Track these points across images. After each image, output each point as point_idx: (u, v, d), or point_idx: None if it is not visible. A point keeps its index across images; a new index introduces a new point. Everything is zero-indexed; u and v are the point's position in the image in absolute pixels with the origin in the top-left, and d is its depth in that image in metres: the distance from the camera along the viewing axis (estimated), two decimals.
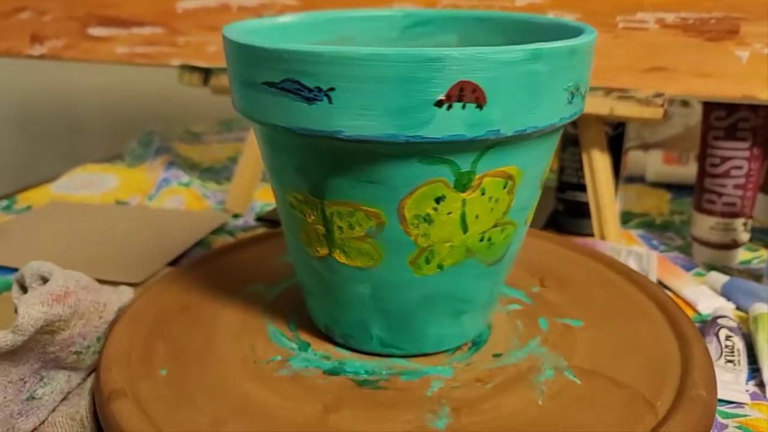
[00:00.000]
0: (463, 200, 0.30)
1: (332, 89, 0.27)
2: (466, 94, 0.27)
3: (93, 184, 0.71)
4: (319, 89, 0.28)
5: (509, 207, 0.32)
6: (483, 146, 0.29)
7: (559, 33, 0.35)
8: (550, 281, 0.44)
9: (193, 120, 0.97)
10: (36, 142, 1.27)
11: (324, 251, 0.33)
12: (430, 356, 0.36)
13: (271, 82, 0.29)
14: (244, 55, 0.30)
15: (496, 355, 0.36)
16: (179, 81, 0.63)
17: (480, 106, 0.27)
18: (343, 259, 0.33)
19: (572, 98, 0.31)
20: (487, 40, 0.40)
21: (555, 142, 0.33)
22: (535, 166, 0.32)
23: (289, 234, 0.36)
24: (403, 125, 0.27)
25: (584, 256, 0.47)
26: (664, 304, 0.40)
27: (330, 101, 0.28)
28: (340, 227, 0.32)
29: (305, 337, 0.38)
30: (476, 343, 0.37)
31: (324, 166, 0.30)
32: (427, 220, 0.31)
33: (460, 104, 0.27)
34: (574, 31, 0.34)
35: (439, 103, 0.27)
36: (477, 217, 0.31)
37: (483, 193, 0.31)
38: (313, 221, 0.32)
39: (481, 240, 0.32)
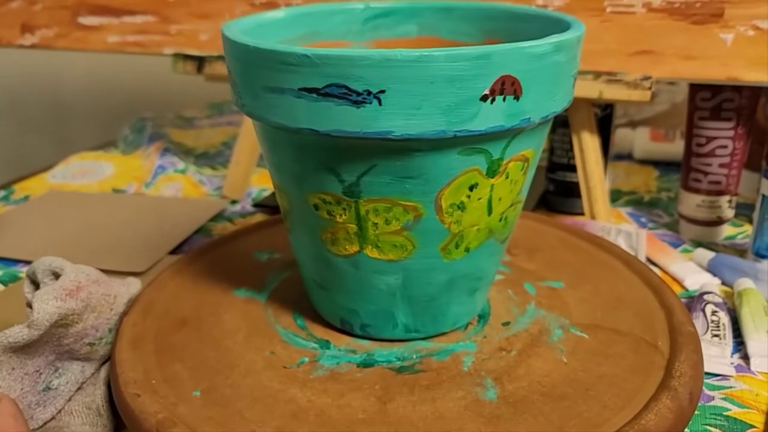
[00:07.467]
0: (492, 185, 0.32)
1: (382, 92, 0.28)
2: (506, 87, 0.29)
3: (89, 172, 0.72)
4: (369, 92, 0.28)
5: (522, 186, 0.34)
6: (513, 134, 0.31)
7: (530, 19, 0.37)
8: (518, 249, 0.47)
9: (182, 104, 0.97)
10: (26, 131, 1.27)
11: (354, 248, 0.34)
12: (447, 334, 0.38)
13: (312, 87, 0.29)
14: (274, 62, 0.29)
15: (505, 324, 0.38)
16: (173, 69, 0.64)
17: (517, 98, 0.29)
18: (375, 254, 0.34)
19: (574, 82, 0.33)
20: (451, 30, 0.41)
21: (551, 123, 0.35)
22: (540, 147, 0.34)
23: (304, 234, 0.36)
24: (451, 122, 0.29)
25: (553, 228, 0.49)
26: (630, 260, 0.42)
27: (380, 103, 0.28)
28: (375, 224, 0.32)
29: (319, 333, 0.38)
30: (482, 316, 0.39)
31: (361, 166, 0.31)
32: (461, 207, 0.32)
33: (501, 97, 0.29)
34: (544, 18, 0.36)
35: (484, 98, 0.28)
36: (500, 199, 0.33)
37: (507, 177, 0.32)
38: (344, 221, 0.33)
39: (500, 220, 0.34)
